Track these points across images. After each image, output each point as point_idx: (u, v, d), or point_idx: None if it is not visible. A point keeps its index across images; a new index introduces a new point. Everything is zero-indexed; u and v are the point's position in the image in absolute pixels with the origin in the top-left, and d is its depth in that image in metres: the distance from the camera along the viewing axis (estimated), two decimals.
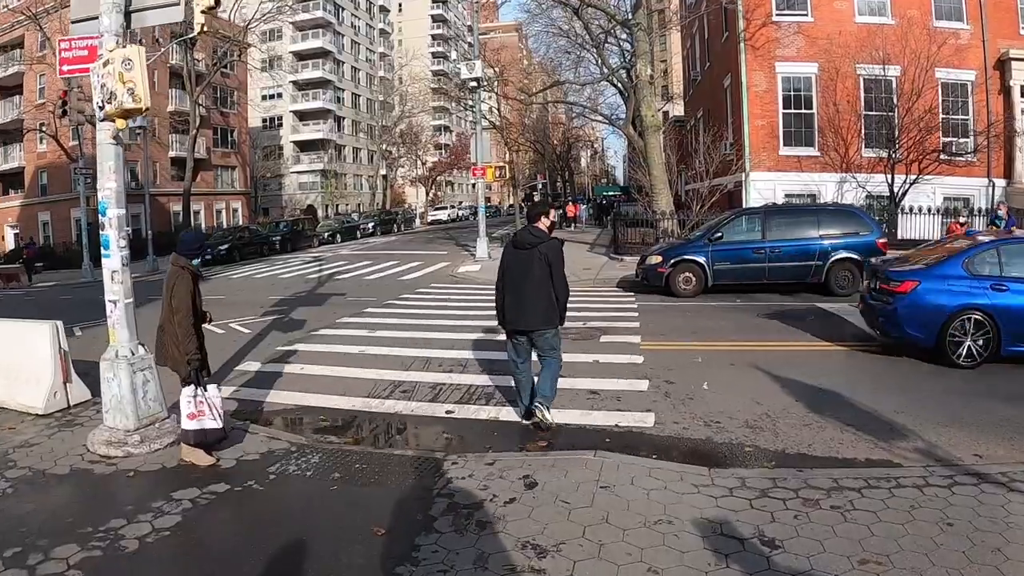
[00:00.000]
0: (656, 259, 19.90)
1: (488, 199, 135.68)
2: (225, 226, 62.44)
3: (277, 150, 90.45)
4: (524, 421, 9.06)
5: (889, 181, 28.49)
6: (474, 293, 21.90)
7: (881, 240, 19.46)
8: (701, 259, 19.37)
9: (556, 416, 8.89)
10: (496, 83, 44.46)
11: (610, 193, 79.51)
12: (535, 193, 74.37)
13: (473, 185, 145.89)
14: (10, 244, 61.21)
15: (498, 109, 44.52)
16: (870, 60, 29.10)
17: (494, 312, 9.30)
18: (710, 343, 13.22)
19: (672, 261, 19.54)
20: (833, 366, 11.63)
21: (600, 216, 63.59)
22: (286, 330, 16.55)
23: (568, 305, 8.92)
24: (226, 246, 42.45)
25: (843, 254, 19.01)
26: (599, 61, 37.16)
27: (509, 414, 9.46)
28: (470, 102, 38.73)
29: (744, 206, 29.09)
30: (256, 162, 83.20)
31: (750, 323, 15.27)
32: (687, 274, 19.41)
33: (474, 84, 32.77)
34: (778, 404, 9.40)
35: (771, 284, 19.56)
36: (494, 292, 9.23)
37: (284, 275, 30.85)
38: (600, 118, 49.53)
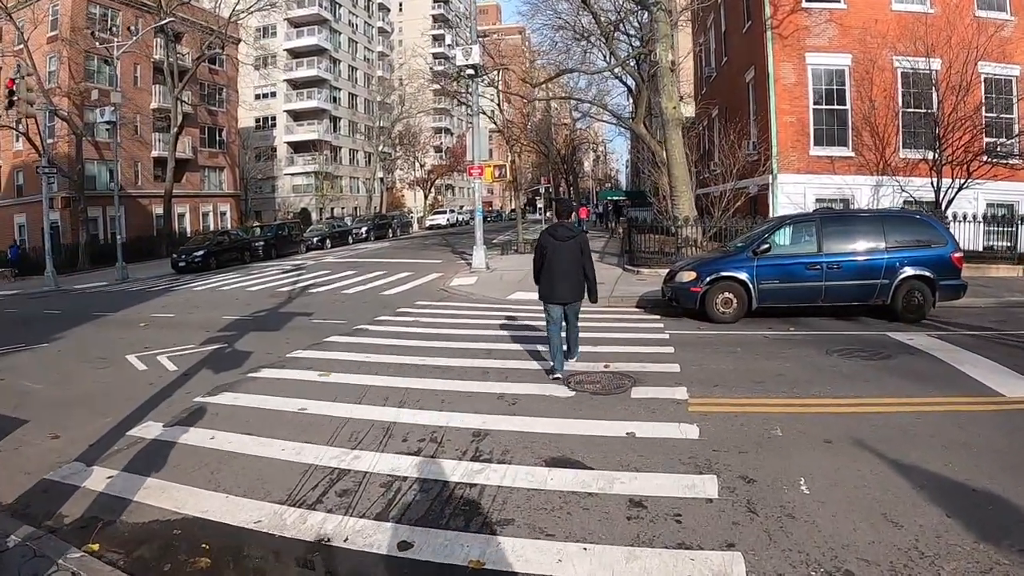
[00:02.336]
0: (689, 276, 16.23)
1: (489, 203, 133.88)
2: (212, 230, 58.92)
3: (270, 151, 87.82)
4: (549, 375, 11.32)
5: (935, 184, 25.34)
6: (467, 315, 18.44)
7: (957, 254, 15.92)
8: (744, 276, 15.77)
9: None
10: (498, 78, 40.96)
11: (615, 198, 76.60)
12: (538, 197, 71.81)
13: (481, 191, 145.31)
14: None
15: (499, 107, 40.98)
16: (909, 52, 26.05)
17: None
18: (783, 400, 9.47)
19: (709, 278, 15.92)
20: (970, 439, 7.86)
21: (604, 221, 61.42)
22: (220, 368, 12.98)
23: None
24: (200, 253, 39.43)
25: (913, 271, 15.50)
26: (608, 54, 34.19)
27: (500, 552, 5.74)
28: (467, 92, 35.11)
29: (771, 211, 26.74)
30: (247, 163, 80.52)
31: (822, 364, 11.52)
32: (727, 294, 15.82)
33: (471, 72, 29.23)
34: (926, 525, 5.85)
35: (826, 307, 16.12)
36: (532, 272, 11.86)
37: (253, 287, 27.47)
38: (608, 116, 46.86)
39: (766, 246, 15.81)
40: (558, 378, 10.97)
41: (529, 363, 12.19)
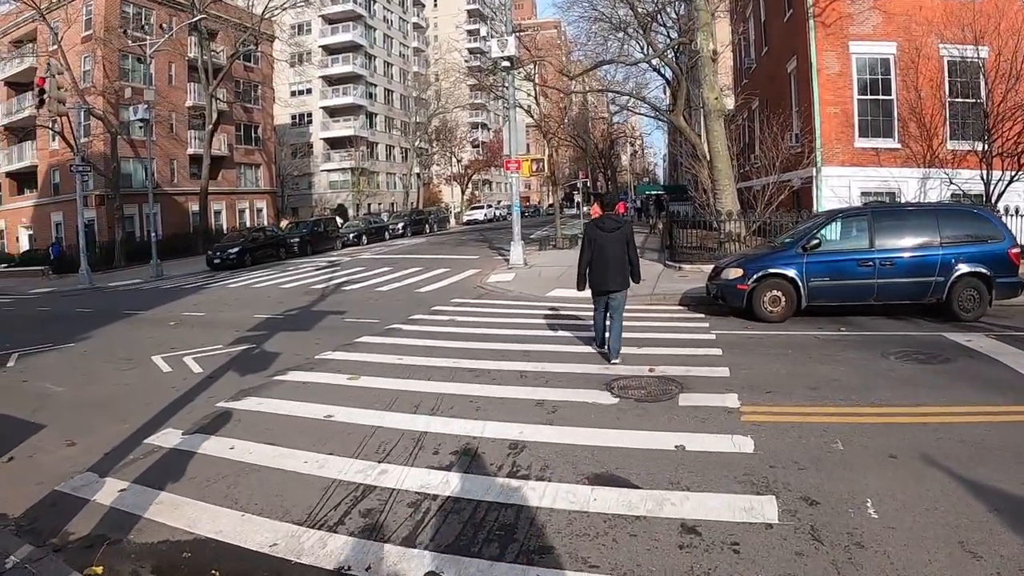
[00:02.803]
0: (736, 272, 15.53)
1: (526, 198, 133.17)
2: (248, 226, 58.73)
3: (306, 147, 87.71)
4: (597, 348, 12.51)
5: (984, 177, 24.26)
6: (504, 314, 17.85)
7: (1015, 250, 15.05)
8: (793, 273, 15.05)
9: None
10: (534, 71, 40.27)
11: (654, 192, 75.62)
12: (575, 192, 71.07)
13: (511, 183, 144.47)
14: (24, 246, 58.82)
15: (536, 100, 40.27)
16: (956, 39, 24.97)
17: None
18: (841, 409, 8.75)
19: (756, 275, 15.21)
20: None
21: (643, 216, 60.68)
22: (246, 370, 12.52)
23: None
24: (235, 250, 39.13)
25: (969, 267, 14.69)
26: (645, 45, 33.40)
27: None
28: (503, 86, 34.44)
29: (815, 205, 25.86)
30: (283, 160, 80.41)
31: (878, 368, 10.78)
32: (775, 292, 15.09)
33: (506, 64, 28.60)
34: (1007, 556, 5.18)
35: (877, 306, 15.33)
36: (578, 264, 12.11)
37: (287, 284, 27.11)
38: (645, 109, 46.10)
39: (816, 241, 15.09)
40: (604, 352, 12.07)
41: (569, 366, 11.55)
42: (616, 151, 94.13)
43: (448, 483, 6.92)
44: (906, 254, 14.91)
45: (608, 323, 11.99)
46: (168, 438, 8.76)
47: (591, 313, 13.35)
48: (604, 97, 75.08)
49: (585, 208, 52.39)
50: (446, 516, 6.22)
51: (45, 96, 29.18)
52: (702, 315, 16.54)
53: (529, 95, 40.60)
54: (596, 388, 10.03)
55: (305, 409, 9.70)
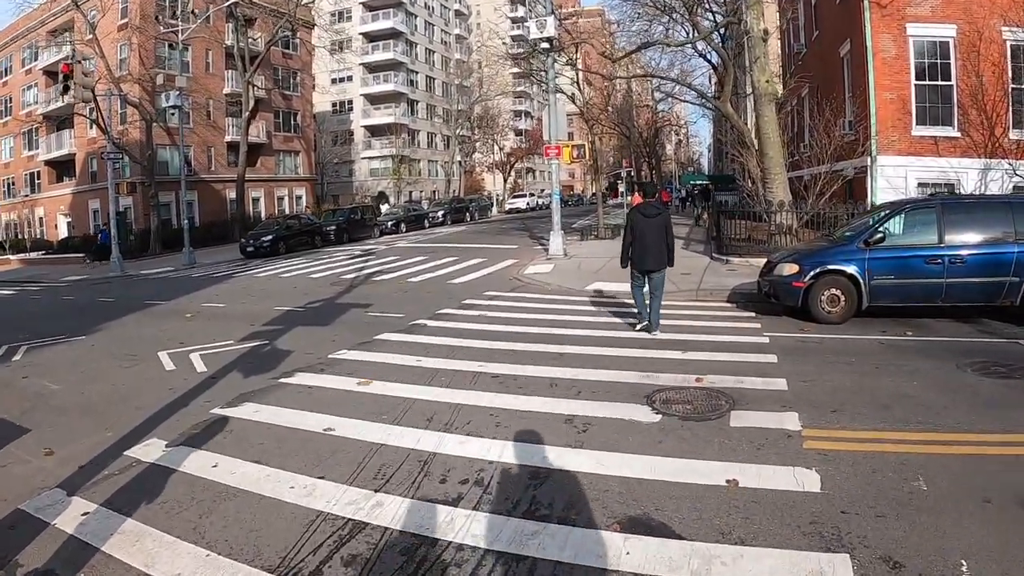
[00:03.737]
0: (791, 268, 14.20)
1: (570, 187, 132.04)
2: (284, 214, 58.09)
3: (347, 135, 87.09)
4: (638, 327, 13.57)
5: None
6: (538, 309, 16.64)
7: None
8: (854, 270, 13.68)
9: None
10: (576, 55, 38.93)
11: (699, 182, 74.31)
12: (619, 181, 69.99)
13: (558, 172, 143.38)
14: (63, 233, 58.85)
15: (578, 86, 38.98)
16: (1021, 21, 23.50)
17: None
18: (919, 435, 7.45)
19: (814, 272, 13.86)
20: None
21: (689, 205, 59.52)
22: (251, 370, 11.49)
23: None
24: (269, 237, 38.63)
25: None
26: (691, 29, 32.18)
27: None
28: (543, 69, 33.27)
29: (869, 196, 24.55)
30: (324, 147, 79.92)
31: (956, 383, 9.43)
32: (834, 291, 13.75)
33: (545, 46, 27.35)
34: None
35: (946, 307, 13.97)
36: (620, 248, 13.89)
37: (316, 274, 26.23)
38: (691, 96, 44.95)
39: (880, 236, 13.69)
40: (644, 327, 13.37)
41: (606, 373, 10.30)
42: (660, 140, 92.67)
43: (451, 524, 5.75)
44: (978, 251, 13.48)
45: (648, 300, 13.30)
46: (150, 451, 7.79)
47: (633, 310, 14.31)
48: (648, 85, 73.85)
49: (629, 197, 51.21)
50: (446, 570, 5.07)
51: (71, 83, 28.36)
52: (752, 314, 15.25)
53: (572, 81, 39.38)
54: (635, 402, 8.80)
55: (305, 420, 8.64)
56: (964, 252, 13.43)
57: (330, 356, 12.15)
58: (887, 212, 14.56)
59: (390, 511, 6.03)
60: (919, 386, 9.22)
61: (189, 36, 49.13)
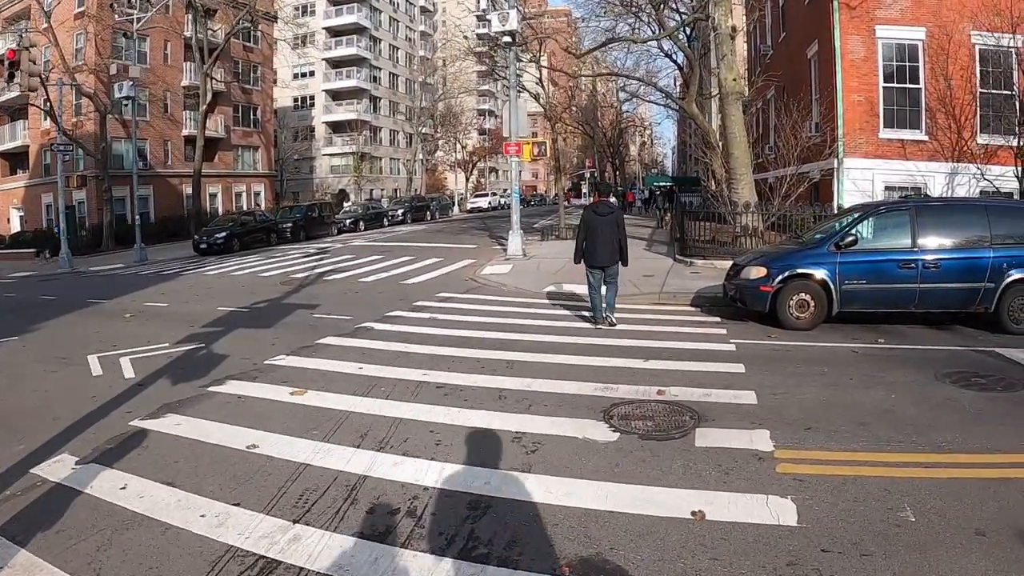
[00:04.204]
0: (758, 272, 13.52)
1: (533, 187, 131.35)
2: (238, 210, 56.99)
3: (308, 131, 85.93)
4: (593, 324, 13.90)
5: (1019, 173, 22.54)
6: (492, 312, 15.88)
7: None
8: (824, 274, 13.03)
9: None
10: (539, 51, 38.14)
11: (663, 183, 73.88)
12: (583, 182, 69.47)
13: (520, 172, 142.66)
14: (16, 227, 57.42)
15: (542, 83, 38.22)
16: (990, 26, 23.23)
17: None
18: (903, 455, 6.75)
19: (782, 276, 13.19)
20: None
21: (650, 207, 58.87)
22: (181, 377, 10.62)
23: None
24: (223, 234, 37.42)
25: (1021, 273, 12.72)
26: (657, 28, 31.61)
27: None
28: (503, 65, 32.50)
29: (836, 198, 24.37)
30: (284, 143, 78.75)
31: (937, 396, 8.76)
32: (803, 296, 13.08)
33: (507, 40, 26.57)
34: None
35: (918, 313, 13.37)
36: (574, 245, 14.42)
37: (267, 272, 25.31)
38: (656, 96, 44.43)
39: (852, 239, 13.03)
40: (602, 323, 13.77)
41: (560, 384, 9.51)
42: (625, 140, 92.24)
43: (375, 566, 4.96)
44: (953, 256, 12.92)
45: (604, 292, 13.88)
46: (58, 468, 6.96)
47: (589, 314, 14.39)
48: (613, 85, 73.32)
49: (590, 197, 50.54)
50: None
51: (16, 71, 27.19)
52: (718, 319, 14.57)
53: (536, 80, 38.63)
54: (590, 417, 8.02)
55: (228, 434, 7.81)
56: (938, 257, 12.87)
57: (266, 362, 11.31)
58: (859, 215, 13.89)
59: (308, 547, 5.23)
60: (898, 400, 8.54)
61: (146, 26, 48.26)
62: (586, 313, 14.85)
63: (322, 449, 7.26)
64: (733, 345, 11.92)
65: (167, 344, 13.11)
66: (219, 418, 8.44)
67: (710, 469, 6.47)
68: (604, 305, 13.85)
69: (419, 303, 17.19)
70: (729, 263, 16.84)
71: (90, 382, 10.63)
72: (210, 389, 9.78)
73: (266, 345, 12.64)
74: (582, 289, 15.67)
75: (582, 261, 14.08)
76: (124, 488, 6.40)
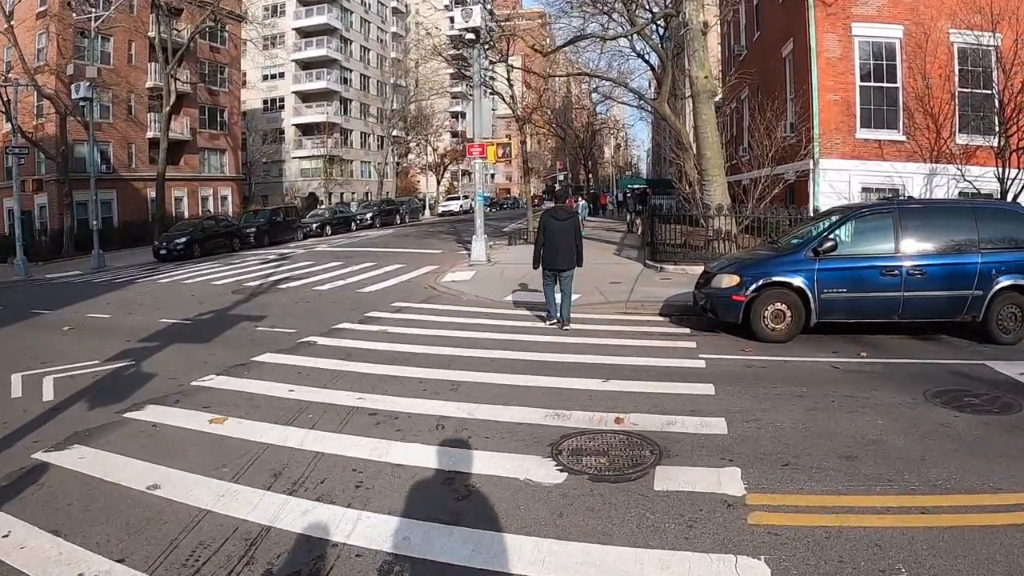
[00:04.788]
0: (731, 280, 12.60)
1: (507, 190, 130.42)
2: (199, 215, 55.82)
3: (278, 134, 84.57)
4: (549, 323, 14.40)
5: (999, 174, 21.82)
6: (447, 324, 14.94)
7: None
8: (801, 282, 12.13)
9: None
10: (509, 51, 37.20)
11: (635, 186, 73.20)
12: (557, 184, 68.81)
13: (492, 175, 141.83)
14: None
15: (509, 83, 37.26)
16: (969, 24, 22.55)
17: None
18: (895, 499, 5.82)
19: (756, 284, 12.29)
20: None
21: (623, 210, 57.77)
22: (100, 400, 9.65)
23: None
24: (183, 240, 36.24)
25: (1011, 280, 11.96)
26: (628, 26, 30.73)
27: None
28: (467, 64, 31.64)
29: (811, 200, 23.77)
30: (254, 146, 77.50)
31: (928, 421, 7.84)
32: (779, 306, 12.19)
33: (471, 37, 25.61)
34: None
35: (903, 323, 12.56)
36: (533, 249, 14.96)
37: (222, 280, 24.22)
38: (629, 98, 43.78)
39: (831, 244, 12.15)
40: (555, 323, 14.16)
41: (508, 410, 8.53)
42: (598, 143, 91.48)
43: None
44: (939, 261, 12.09)
45: (559, 298, 14.15)
46: None
47: (550, 325, 14.38)
48: (586, 87, 72.62)
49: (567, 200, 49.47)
50: None
51: None
52: (687, 331, 13.66)
53: (506, 79, 37.69)
54: (536, 452, 7.06)
55: (131, 472, 6.84)
56: (923, 263, 12.06)
57: (194, 383, 10.29)
58: (839, 217, 12.98)
59: None
60: (885, 427, 7.65)
61: (109, 25, 47.18)
62: (544, 326, 14.45)
63: (228, 492, 6.29)
64: (703, 361, 10.98)
65: (98, 361, 12.12)
66: (127, 451, 7.48)
67: (670, 521, 5.50)
68: (559, 311, 14.14)
69: (371, 314, 16.19)
70: (700, 268, 16.05)
71: (5, 406, 9.65)
72: (127, 415, 8.78)
73: (199, 363, 11.64)
74: (542, 298, 15.28)
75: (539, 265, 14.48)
76: (7, 536, 5.55)
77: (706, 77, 22.62)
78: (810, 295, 12.08)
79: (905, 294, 12.01)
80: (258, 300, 19.19)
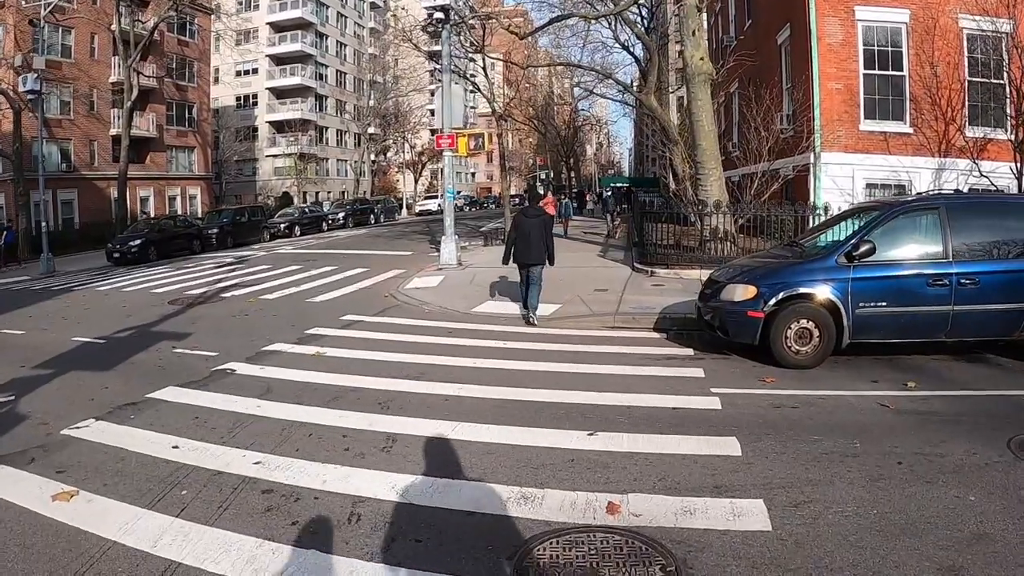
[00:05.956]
0: (746, 292, 10.25)
1: (488, 188, 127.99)
2: (180, 214, 53.37)
3: (251, 131, 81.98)
4: (521, 314, 14.65)
5: (1016, 169, 20.51)
6: (400, 345, 12.44)
7: None
8: (832, 294, 9.85)
9: None
10: (485, 38, 34.83)
11: (618, 184, 71.30)
12: (538, 183, 67.04)
13: (473, 173, 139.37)
14: None
15: (485, 71, 34.91)
16: (979, 8, 21.19)
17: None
18: None
19: (778, 296, 9.97)
20: None
21: (606, 210, 55.28)
22: None
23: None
24: (137, 242, 33.86)
25: None
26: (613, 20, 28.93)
27: None
28: (435, 40, 29.50)
29: (812, 196, 22.00)
30: (225, 143, 75.06)
31: None
32: (804, 323, 9.89)
33: (440, 16, 23.26)
34: None
35: (949, 343, 10.47)
36: (504, 247, 15.47)
37: (164, 287, 21.95)
38: (613, 93, 42.24)
39: (868, 247, 9.80)
40: (530, 319, 14.29)
41: (453, 488, 6.15)
42: (580, 140, 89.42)
43: None
44: (995, 268, 9.94)
45: (528, 291, 14.41)
46: None
47: (521, 346, 12.49)
48: (569, 83, 70.85)
49: (559, 197, 47.23)
50: None
51: None
52: (689, 352, 11.31)
53: (481, 69, 35.43)
54: (488, 566, 4.75)
55: None
56: (977, 270, 9.87)
57: (65, 431, 7.91)
58: (877, 214, 10.52)
59: None
60: (982, 508, 5.40)
61: (69, 17, 44.67)
62: (519, 344, 12.32)
63: None
64: (716, 398, 8.56)
65: None
66: None
67: None
68: (529, 300, 14.48)
69: (314, 330, 13.78)
70: (695, 272, 16.18)
71: None
72: None
73: (85, 399, 9.29)
74: (520, 307, 15.01)
75: (511, 261, 14.73)
76: None
77: (702, 58, 20.46)
78: (843, 310, 9.80)
79: (955, 308, 9.80)
80: (193, 313, 16.83)
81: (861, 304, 9.79)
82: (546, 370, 10.29)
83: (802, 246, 11.89)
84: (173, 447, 7.25)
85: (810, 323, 9.87)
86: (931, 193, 12.41)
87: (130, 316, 16.46)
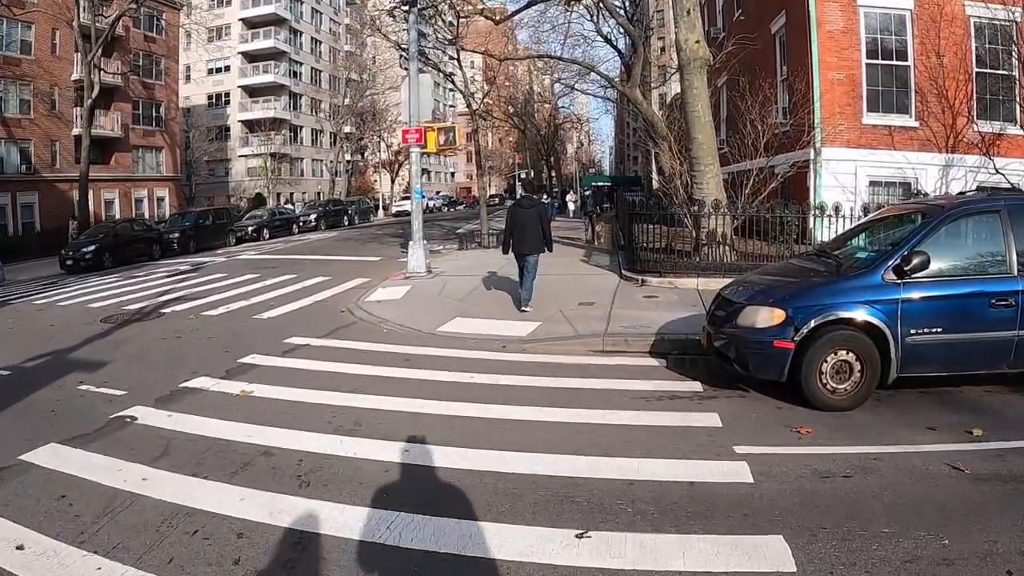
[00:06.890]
0: (771, 315, 8.23)
1: (467, 188, 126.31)
2: (147, 217, 51.73)
3: (223, 131, 79.97)
4: (518, 309, 14.79)
5: None
6: (346, 380, 10.32)
7: None
8: (877, 319, 7.91)
9: None
10: (459, 29, 32.94)
11: (599, 183, 71.50)
12: (519, 183, 65.75)
13: (452, 173, 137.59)
14: None
15: (459, 64, 33.03)
16: None
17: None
18: None
19: (812, 322, 7.98)
20: None
21: (585, 210, 53.13)
22: None
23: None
24: (91, 248, 32.12)
25: None
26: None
27: None
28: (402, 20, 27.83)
29: (812, 195, 20.97)
30: (196, 142, 73.33)
31: None
32: (844, 354, 7.97)
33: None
34: None
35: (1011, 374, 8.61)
36: (501, 237, 16.19)
37: (103, 300, 19.94)
38: (595, 88, 40.90)
39: (921, 259, 7.84)
40: (525, 311, 14.71)
41: None
42: (561, 138, 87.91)
43: None
44: None
45: (522, 281, 14.95)
46: None
47: (490, 380, 9.91)
48: (549, 80, 69.46)
49: (520, 193, 45.71)
50: None
51: None
52: (698, 388, 9.24)
53: (455, 64, 33.67)
54: None
55: None
56: None
57: None
58: (933, 219, 8.40)
59: None
60: None
61: (28, 11, 42.64)
62: (484, 380, 10.07)
63: None
64: (743, 461, 6.54)
65: None
66: None
67: None
68: (522, 291, 15.01)
69: (248, 359, 11.69)
70: (692, 281, 15.50)
71: None
72: None
73: None
74: (493, 326, 13.61)
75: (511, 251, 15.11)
76: None
77: (697, 41, 18.49)
78: (890, 338, 7.87)
79: (1020, 333, 7.96)
80: (121, 334, 14.76)
81: (913, 331, 7.90)
82: (519, 417, 8.20)
83: (834, 256, 9.66)
84: (17, 548, 5.27)
85: (851, 355, 7.95)
86: (970, 193, 10.38)
87: (51, 339, 14.43)
